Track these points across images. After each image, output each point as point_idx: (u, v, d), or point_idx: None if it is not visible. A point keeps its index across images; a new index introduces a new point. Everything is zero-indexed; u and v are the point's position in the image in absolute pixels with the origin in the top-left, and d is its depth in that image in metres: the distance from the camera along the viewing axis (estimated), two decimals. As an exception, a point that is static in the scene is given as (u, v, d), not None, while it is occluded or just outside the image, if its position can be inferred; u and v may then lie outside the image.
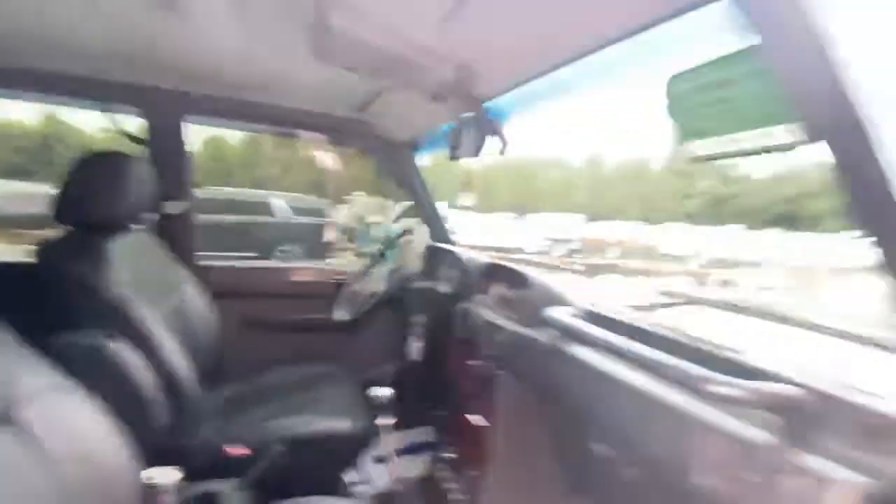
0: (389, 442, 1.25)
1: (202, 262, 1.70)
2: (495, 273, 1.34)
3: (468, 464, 1.22)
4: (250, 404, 1.34)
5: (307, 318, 1.82)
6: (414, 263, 1.67)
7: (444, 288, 1.53)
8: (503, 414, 1.13)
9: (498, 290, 1.31)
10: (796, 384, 0.62)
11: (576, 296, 1.17)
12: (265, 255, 7.13)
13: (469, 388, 1.25)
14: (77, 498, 0.64)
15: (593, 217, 18.77)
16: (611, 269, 10.46)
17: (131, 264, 1.17)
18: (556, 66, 1.02)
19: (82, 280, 1.04)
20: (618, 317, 1.04)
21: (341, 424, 1.26)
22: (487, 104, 1.25)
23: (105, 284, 1.04)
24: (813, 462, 0.56)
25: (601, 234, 15.66)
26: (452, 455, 1.31)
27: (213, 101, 1.55)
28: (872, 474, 0.53)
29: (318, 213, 8.81)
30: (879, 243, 0.48)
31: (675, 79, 0.67)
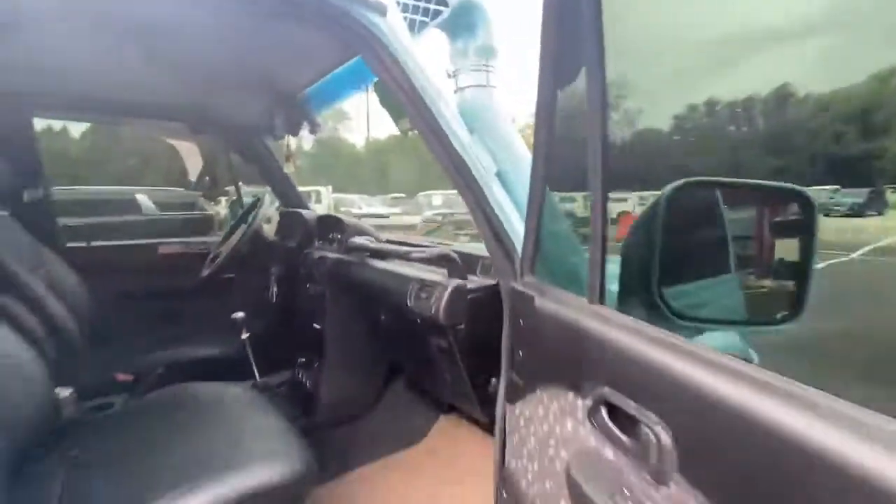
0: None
1: (69, 245, 1.88)
2: (326, 223, 1.80)
3: (316, 361, 1.69)
4: (135, 347, 1.65)
5: (178, 284, 2.10)
6: (268, 226, 2.04)
7: (293, 242, 1.94)
8: (331, 317, 1.61)
9: (328, 234, 1.76)
10: (451, 250, 1.18)
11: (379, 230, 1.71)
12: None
13: (309, 306, 1.70)
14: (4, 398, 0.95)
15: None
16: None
17: (3, 241, 1.39)
18: (338, 64, 1.46)
19: None
20: (401, 240, 1.59)
21: (212, 350, 1.64)
22: (304, 93, 1.67)
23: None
24: (451, 282, 1.11)
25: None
26: (307, 359, 1.77)
27: (63, 97, 1.73)
28: (473, 283, 1.11)
29: (190, 206, 8.33)
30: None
31: (377, 83, 1.17)
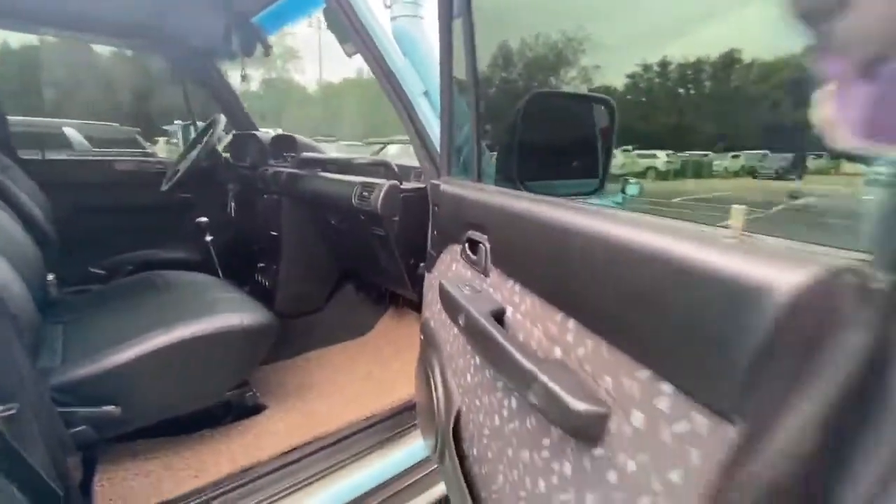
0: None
1: (24, 156, 1.95)
2: (280, 142, 1.98)
3: (274, 265, 1.93)
4: (103, 248, 1.81)
5: (138, 199, 2.23)
6: (221, 146, 2.18)
7: (248, 160, 2.11)
8: (287, 225, 1.84)
9: (282, 152, 1.95)
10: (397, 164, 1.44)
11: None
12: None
13: (266, 217, 1.92)
14: None
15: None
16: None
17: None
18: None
19: None
20: (349, 157, 1.81)
21: (178, 254, 1.84)
22: (257, 17, 1.80)
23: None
24: (387, 182, 1.37)
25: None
26: (265, 264, 2.00)
27: (9, 6, 1.74)
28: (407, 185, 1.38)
29: (129, 143, 7.82)
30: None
31: (326, 10, 1.35)
